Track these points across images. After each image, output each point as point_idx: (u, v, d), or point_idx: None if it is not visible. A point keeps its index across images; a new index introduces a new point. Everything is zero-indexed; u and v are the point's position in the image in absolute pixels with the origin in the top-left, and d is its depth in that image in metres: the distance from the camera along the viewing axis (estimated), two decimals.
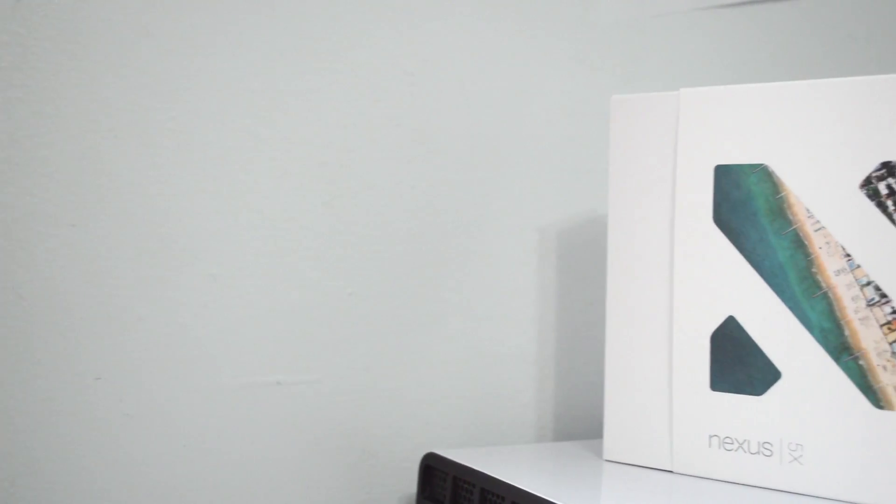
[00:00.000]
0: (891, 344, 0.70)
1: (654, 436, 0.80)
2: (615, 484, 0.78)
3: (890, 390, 0.70)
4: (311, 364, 0.87)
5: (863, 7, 1.09)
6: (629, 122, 0.81)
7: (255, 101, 0.85)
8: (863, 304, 0.71)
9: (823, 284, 0.72)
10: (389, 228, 0.90)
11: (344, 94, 0.87)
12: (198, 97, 0.83)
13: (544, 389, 0.96)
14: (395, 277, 0.90)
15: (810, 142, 0.73)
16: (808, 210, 0.73)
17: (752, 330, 0.75)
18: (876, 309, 0.70)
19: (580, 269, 0.97)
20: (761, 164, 0.75)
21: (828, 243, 0.72)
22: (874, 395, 0.70)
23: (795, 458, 0.73)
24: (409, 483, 0.90)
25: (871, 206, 0.70)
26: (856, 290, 0.71)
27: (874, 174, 0.70)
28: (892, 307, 0.69)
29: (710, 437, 0.77)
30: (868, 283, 0.70)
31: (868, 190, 0.70)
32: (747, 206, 0.75)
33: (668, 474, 0.79)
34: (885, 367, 0.70)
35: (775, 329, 0.74)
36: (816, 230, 0.72)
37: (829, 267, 0.72)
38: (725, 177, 0.76)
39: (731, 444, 0.76)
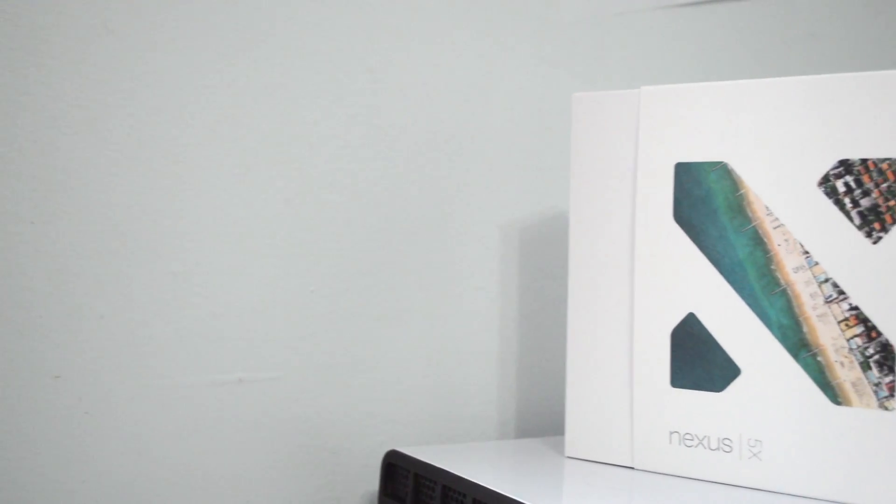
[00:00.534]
0: (848, 340, 0.70)
1: (615, 432, 0.80)
2: (576, 480, 0.78)
3: (847, 386, 0.70)
4: (273, 362, 0.87)
5: (823, 6, 1.10)
6: (590, 120, 0.81)
7: (215, 98, 0.84)
8: (821, 300, 0.71)
9: (782, 281, 0.73)
10: (351, 226, 0.89)
11: (305, 91, 0.87)
12: (158, 94, 0.82)
13: (507, 387, 0.96)
14: (358, 275, 0.90)
15: (770, 140, 0.73)
16: (767, 207, 0.73)
17: (712, 327, 0.75)
18: (834, 306, 0.71)
19: (542, 266, 0.97)
20: (721, 162, 0.75)
21: (786, 240, 0.72)
22: (832, 392, 0.71)
23: (755, 454, 0.74)
24: (372, 481, 0.90)
25: (828, 203, 0.71)
26: (814, 287, 0.71)
27: (832, 172, 0.71)
28: (850, 304, 0.70)
29: (671, 433, 0.77)
30: (826, 280, 0.71)
31: (826, 188, 0.71)
32: (707, 204, 0.76)
33: (629, 470, 0.79)
34: (842, 364, 0.70)
35: (735, 326, 0.74)
36: (775, 227, 0.73)
37: (788, 264, 0.72)
38: (686, 174, 0.76)
39: (692, 440, 0.76)
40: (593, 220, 0.81)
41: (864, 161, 0.70)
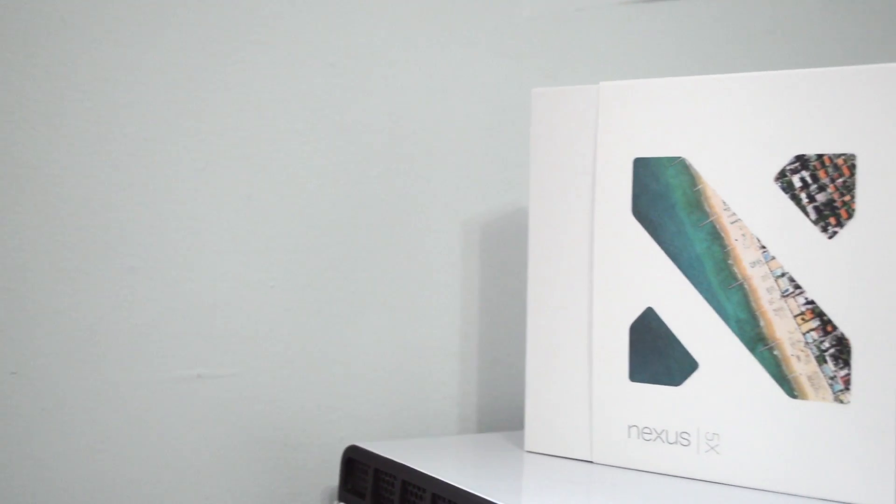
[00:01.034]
0: (804, 334, 0.71)
1: (575, 427, 0.80)
2: (535, 475, 0.78)
3: (803, 380, 0.71)
4: (233, 357, 0.87)
5: (781, 4, 1.11)
6: (550, 116, 0.81)
7: (175, 92, 0.84)
8: (777, 295, 0.72)
9: (739, 276, 0.73)
10: (311, 221, 0.89)
11: (265, 86, 0.87)
12: (116, 89, 0.82)
13: (468, 381, 0.96)
14: (318, 270, 0.90)
15: (727, 135, 0.73)
16: (724, 202, 0.74)
17: (670, 321, 0.76)
18: (790, 300, 0.71)
19: (503, 261, 0.97)
20: (679, 157, 0.75)
21: (743, 235, 0.73)
22: (788, 385, 0.71)
23: (712, 448, 0.74)
24: (332, 476, 0.90)
25: (785, 198, 0.71)
26: (770, 282, 0.72)
27: (788, 167, 0.71)
28: (806, 298, 0.71)
29: (630, 427, 0.78)
30: (782, 275, 0.71)
31: (782, 183, 0.71)
32: (665, 199, 0.76)
33: (588, 464, 0.79)
34: (798, 358, 0.71)
35: (693, 320, 0.75)
36: (732, 222, 0.73)
37: (745, 259, 0.73)
38: (644, 169, 0.77)
39: (650, 434, 0.77)
40: (552, 215, 0.81)
41: (819, 156, 0.70)
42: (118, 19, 0.82)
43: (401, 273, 0.93)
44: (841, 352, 0.69)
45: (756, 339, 0.72)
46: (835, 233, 0.70)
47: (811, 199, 0.70)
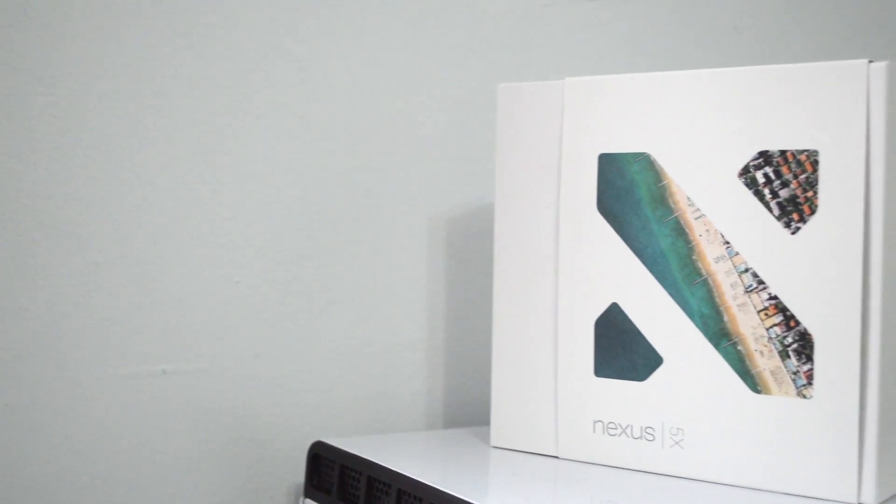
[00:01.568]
0: (767, 329, 0.71)
1: (540, 422, 0.80)
2: (501, 470, 0.78)
3: (767, 375, 0.71)
4: (198, 353, 0.86)
5: (746, 0, 1.11)
6: (515, 111, 0.81)
7: (139, 87, 0.83)
8: (741, 290, 0.72)
9: (703, 271, 0.73)
10: (277, 216, 0.89)
11: (230, 81, 0.87)
12: (80, 83, 0.81)
13: (434, 377, 0.96)
14: (283, 266, 0.89)
15: (691, 131, 0.74)
16: (688, 198, 0.74)
17: (635, 316, 0.76)
18: (753, 295, 0.72)
19: (470, 257, 0.97)
20: (644, 153, 0.76)
21: (708, 231, 0.73)
22: (752, 380, 0.72)
23: (676, 443, 0.74)
24: (298, 472, 0.90)
25: (748, 194, 0.72)
26: (734, 277, 0.72)
27: (752, 163, 0.72)
28: (769, 293, 0.71)
29: (595, 422, 0.78)
30: (746, 270, 0.72)
31: (746, 178, 0.72)
32: (630, 195, 0.76)
33: (554, 460, 0.80)
34: (761, 353, 0.71)
35: (657, 315, 0.75)
36: (697, 218, 0.74)
37: (709, 254, 0.73)
38: (609, 165, 0.77)
39: (615, 429, 0.77)
40: (518, 210, 0.81)
41: (783, 152, 0.70)
42: (81, 13, 0.81)
43: (367, 269, 0.93)
44: (804, 347, 0.70)
45: (720, 334, 0.73)
46: (798, 228, 0.70)
47: (774, 194, 0.71)
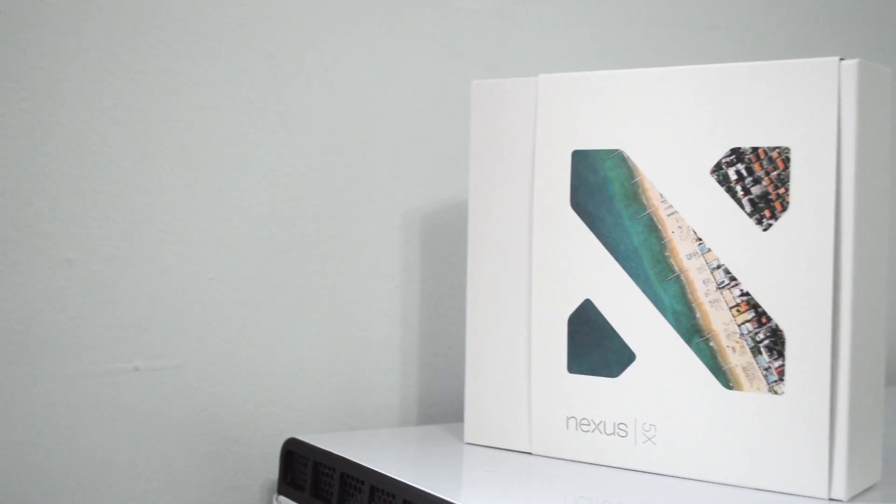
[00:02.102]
0: (739, 326, 0.71)
1: (513, 418, 0.80)
2: (474, 467, 0.78)
3: (739, 371, 0.71)
4: (171, 349, 0.86)
5: None
6: (489, 108, 0.81)
7: (112, 82, 0.83)
8: (713, 287, 0.72)
9: (676, 268, 0.74)
10: (251, 212, 0.89)
11: (204, 77, 0.86)
12: (52, 78, 0.81)
13: (408, 374, 0.96)
14: (258, 262, 0.89)
15: (664, 128, 0.74)
16: (661, 195, 0.74)
17: (608, 313, 0.76)
18: (725, 292, 0.72)
19: (444, 253, 0.97)
20: (617, 150, 0.76)
21: (680, 227, 0.73)
22: (724, 377, 0.72)
23: (649, 439, 0.75)
24: (271, 469, 0.89)
25: (720, 191, 0.72)
26: (706, 274, 0.72)
27: (724, 160, 0.72)
28: (741, 290, 0.71)
29: (568, 418, 0.78)
30: (718, 267, 0.72)
31: (718, 175, 0.72)
32: (603, 191, 0.76)
33: (527, 456, 0.80)
34: (733, 349, 0.71)
35: (630, 312, 0.75)
36: (669, 215, 0.74)
37: (682, 251, 0.73)
38: (582, 162, 0.77)
39: (588, 425, 0.77)
40: (491, 207, 0.81)
41: (755, 149, 0.71)
42: (52, 6, 0.81)
43: (341, 265, 0.93)
44: (775, 343, 0.70)
45: (692, 330, 0.73)
46: (769, 225, 0.70)
47: (746, 191, 0.71)
